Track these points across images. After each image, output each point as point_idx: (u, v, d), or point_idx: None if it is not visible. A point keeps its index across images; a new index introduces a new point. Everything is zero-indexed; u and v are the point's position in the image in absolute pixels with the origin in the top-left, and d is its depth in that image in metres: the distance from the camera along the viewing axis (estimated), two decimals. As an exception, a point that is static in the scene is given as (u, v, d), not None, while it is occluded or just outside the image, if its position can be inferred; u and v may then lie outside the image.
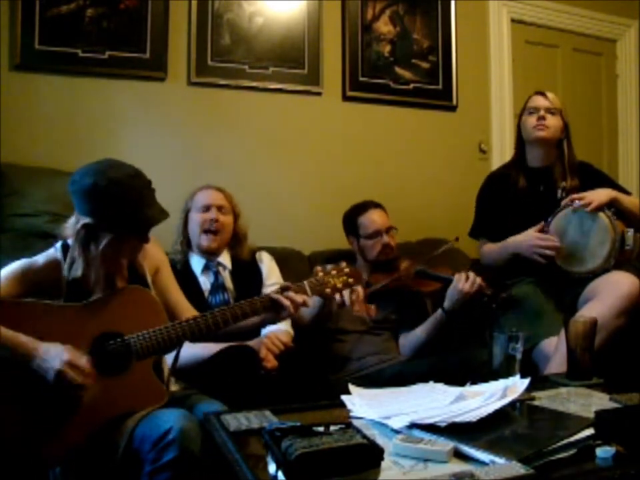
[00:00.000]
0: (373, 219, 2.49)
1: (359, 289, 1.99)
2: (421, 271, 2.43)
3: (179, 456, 1.42)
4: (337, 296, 1.95)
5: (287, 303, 1.70)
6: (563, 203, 2.32)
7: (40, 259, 1.64)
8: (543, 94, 2.52)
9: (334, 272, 1.82)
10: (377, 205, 2.54)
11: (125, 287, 1.68)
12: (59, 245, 1.66)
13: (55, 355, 1.47)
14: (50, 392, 1.50)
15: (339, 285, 1.82)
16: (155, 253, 1.81)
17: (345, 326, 2.39)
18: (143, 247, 1.67)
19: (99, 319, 1.58)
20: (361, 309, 2.22)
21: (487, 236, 2.58)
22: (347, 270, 1.84)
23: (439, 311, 2.33)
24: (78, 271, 1.58)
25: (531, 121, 2.48)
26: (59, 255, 1.64)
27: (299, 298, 1.72)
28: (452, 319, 2.31)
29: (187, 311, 1.80)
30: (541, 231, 2.34)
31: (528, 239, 2.34)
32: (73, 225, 1.59)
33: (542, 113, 2.45)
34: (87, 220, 1.55)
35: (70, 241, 1.61)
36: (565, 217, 2.32)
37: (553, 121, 2.46)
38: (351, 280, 1.85)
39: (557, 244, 2.29)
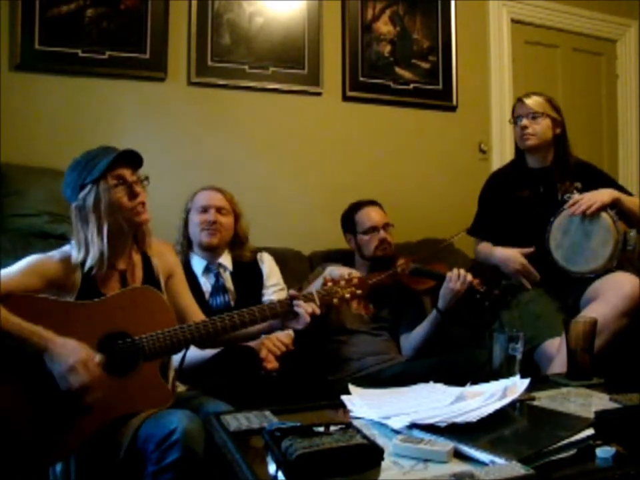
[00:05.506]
0: (370, 215, 2.51)
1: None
2: (416, 268, 2.43)
3: (182, 456, 1.43)
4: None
5: (304, 313, 1.70)
6: (566, 205, 2.31)
7: (55, 254, 1.65)
8: (521, 100, 2.50)
9: (342, 282, 1.83)
10: (373, 202, 2.57)
11: (135, 287, 1.68)
12: (73, 242, 1.67)
13: (71, 349, 1.48)
14: (55, 389, 1.50)
15: (347, 296, 1.83)
16: (170, 258, 1.84)
17: (345, 326, 2.39)
18: (141, 212, 1.66)
19: (108, 317, 1.59)
20: (359, 306, 2.22)
21: (483, 235, 2.60)
22: (355, 281, 1.85)
23: (434, 311, 2.33)
24: (81, 254, 1.60)
25: (517, 130, 2.49)
26: (73, 252, 1.65)
27: (309, 307, 1.72)
28: (447, 318, 2.31)
29: (195, 315, 1.81)
30: (531, 254, 2.37)
31: (513, 260, 2.40)
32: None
33: (524, 121, 2.45)
34: (75, 203, 1.62)
35: None
36: (567, 216, 2.31)
37: (536, 127, 2.44)
38: (359, 291, 1.85)
39: (537, 278, 2.37)
